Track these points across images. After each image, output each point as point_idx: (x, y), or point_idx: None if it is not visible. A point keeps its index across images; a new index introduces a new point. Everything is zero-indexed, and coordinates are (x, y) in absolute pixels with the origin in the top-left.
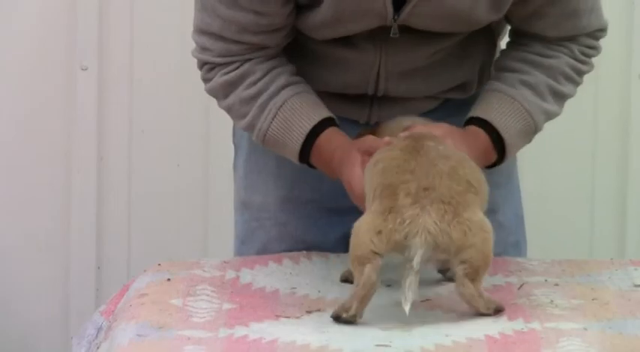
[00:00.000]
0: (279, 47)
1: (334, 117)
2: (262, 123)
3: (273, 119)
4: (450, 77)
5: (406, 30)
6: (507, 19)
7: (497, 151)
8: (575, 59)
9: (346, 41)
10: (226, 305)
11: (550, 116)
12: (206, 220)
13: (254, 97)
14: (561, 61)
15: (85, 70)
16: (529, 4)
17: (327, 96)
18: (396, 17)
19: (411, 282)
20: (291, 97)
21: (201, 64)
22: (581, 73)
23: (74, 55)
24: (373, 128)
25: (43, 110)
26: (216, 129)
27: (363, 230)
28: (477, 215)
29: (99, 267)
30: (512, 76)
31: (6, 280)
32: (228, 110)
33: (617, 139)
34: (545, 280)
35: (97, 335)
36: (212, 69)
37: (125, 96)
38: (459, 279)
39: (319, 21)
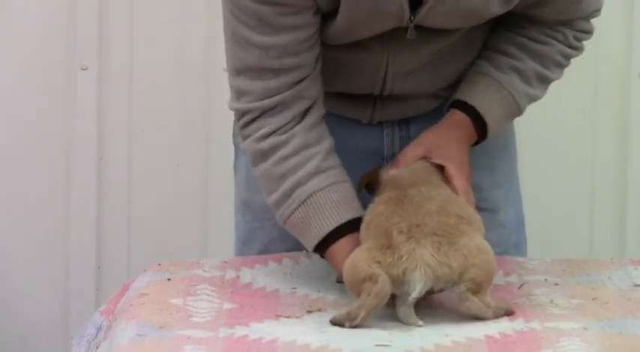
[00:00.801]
0: (315, 78)
1: (357, 215)
2: (285, 210)
3: (295, 210)
4: (454, 72)
5: (416, 29)
6: None
7: (479, 133)
8: (569, 46)
9: (355, 44)
10: (226, 305)
11: (533, 99)
12: (206, 220)
13: (282, 178)
14: (554, 48)
15: (85, 69)
16: None
17: (329, 95)
18: (412, 18)
19: (405, 313)
20: (317, 191)
21: (240, 115)
22: (569, 58)
23: (74, 55)
24: (372, 172)
25: (43, 110)
26: (216, 129)
27: (360, 259)
28: (474, 240)
29: (99, 267)
30: (503, 59)
31: (6, 280)
32: (259, 178)
33: (616, 139)
34: (545, 279)
35: (96, 335)
36: (248, 124)
37: (125, 96)
38: (463, 295)
39: (336, 27)
